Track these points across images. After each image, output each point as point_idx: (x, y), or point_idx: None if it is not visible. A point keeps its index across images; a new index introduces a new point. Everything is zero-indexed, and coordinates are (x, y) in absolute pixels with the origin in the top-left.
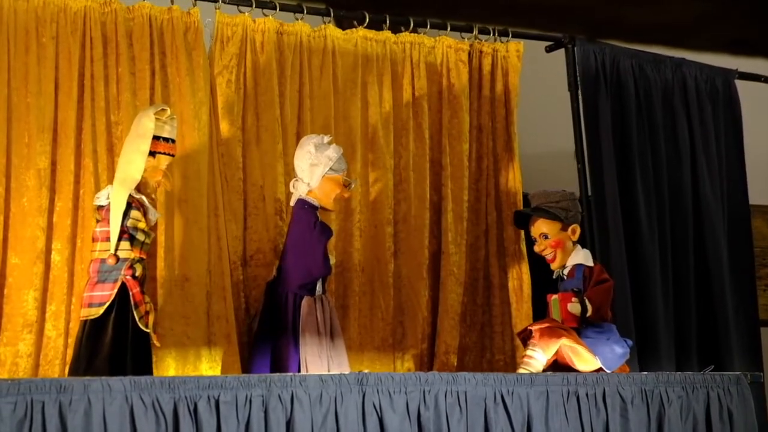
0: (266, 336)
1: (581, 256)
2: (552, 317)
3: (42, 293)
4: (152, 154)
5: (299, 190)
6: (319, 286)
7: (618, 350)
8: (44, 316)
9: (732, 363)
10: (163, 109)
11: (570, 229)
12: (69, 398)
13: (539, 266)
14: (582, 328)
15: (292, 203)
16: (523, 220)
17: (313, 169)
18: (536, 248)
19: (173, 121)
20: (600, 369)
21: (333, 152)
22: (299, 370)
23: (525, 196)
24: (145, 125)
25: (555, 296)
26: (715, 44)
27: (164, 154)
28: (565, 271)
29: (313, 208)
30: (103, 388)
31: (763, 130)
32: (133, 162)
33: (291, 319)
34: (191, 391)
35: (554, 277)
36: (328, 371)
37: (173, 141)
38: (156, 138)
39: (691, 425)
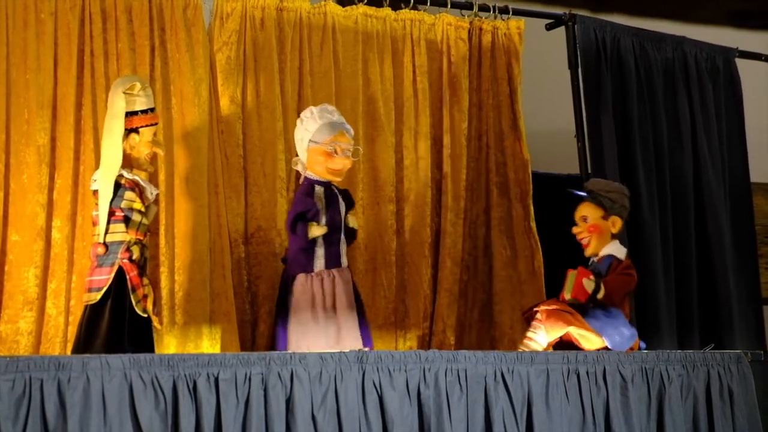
0: (278, 317)
1: (615, 249)
2: (564, 290)
3: (42, 270)
4: (135, 130)
5: (298, 165)
6: (320, 262)
7: (626, 332)
8: (45, 294)
9: (733, 341)
10: (132, 84)
11: (611, 220)
12: (68, 376)
13: (553, 251)
14: (589, 307)
15: (301, 181)
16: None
17: (299, 144)
18: (574, 230)
19: (146, 89)
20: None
21: (313, 122)
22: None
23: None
24: (116, 105)
25: (574, 270)
26: (718, 17)
27: (146, 126)
28: (596, 259)
29: (309, 183)
30: (102, 366)
31: (763, 108)
32: (112, 145)
33: (282, 298)
34: (190, 368)
35: (589, 265)
36: (322, 350)
37: (152, 110)
38: (133, 113)
39: (692, 403)
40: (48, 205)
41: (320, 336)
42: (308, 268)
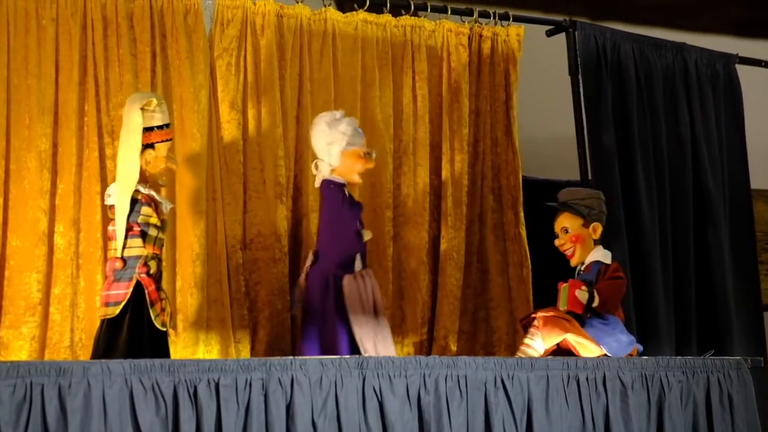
0: (313, 322)
1: (600, 254)
2: (559, 304)
3: (45, 276)
4: (151, 146)
5: (322, 170)
6: (358, 263)
7: (624, 339)
8: (48, 300)
9: (732, 347)
10: (149, 100)
11: (591, 226)
12: (68, 381)
13: (544, 258)
14: (586, 317)
15: (317, 185)
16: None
17: (330, 148)
18: (557, 242)
19: (162, 105)
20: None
21: (346, 126)
22: (353, 351)
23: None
24: (133, 120)
25: (565, 283)
26: (719, 25)
27: (162, 141)
28: (582, 267)
29: (339, 186)
30: (102, 371)
31: (764, 114)
32: (129, 160)
33: (334, 301)
34: (191, 374)
35: (576, 275)
36: (375, 350)
37: (167, 125)
38: (149, 129)
39: (692, 410)
40: (50, 211)
41: (373, 335)
42: (351, 269)
